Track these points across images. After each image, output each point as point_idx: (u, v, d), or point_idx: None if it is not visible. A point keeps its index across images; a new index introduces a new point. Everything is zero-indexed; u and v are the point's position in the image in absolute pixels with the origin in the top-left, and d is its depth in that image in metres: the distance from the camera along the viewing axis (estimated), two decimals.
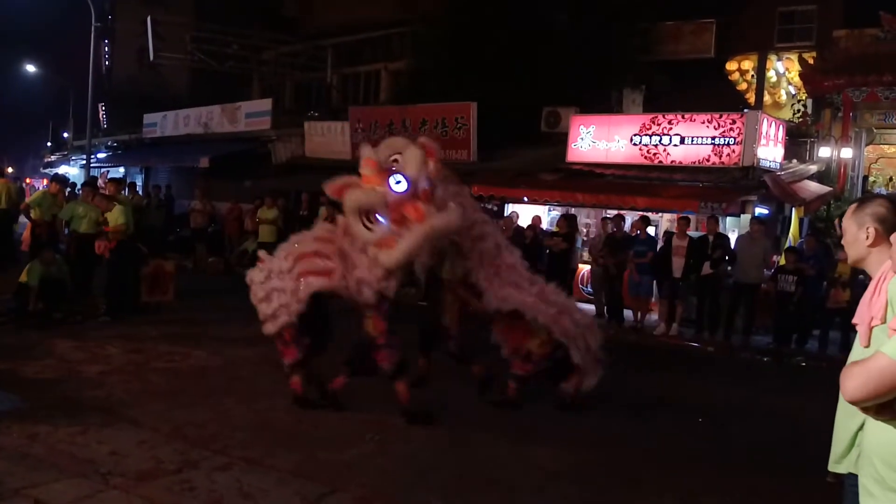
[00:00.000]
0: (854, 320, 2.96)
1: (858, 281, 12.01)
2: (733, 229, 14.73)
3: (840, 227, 3.20)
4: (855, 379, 2.57)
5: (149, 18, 27.40)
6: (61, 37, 37.90)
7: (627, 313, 13.72)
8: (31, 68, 39.60)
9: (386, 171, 6.46)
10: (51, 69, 38.81)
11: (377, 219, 6.38)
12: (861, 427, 2.79)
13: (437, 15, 21.37)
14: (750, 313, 12.64)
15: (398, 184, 6.36)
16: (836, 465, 2.99)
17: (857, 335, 2.85)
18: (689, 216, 13.82)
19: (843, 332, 11.99)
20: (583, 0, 19.24)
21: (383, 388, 7.86)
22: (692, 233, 13.50)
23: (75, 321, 10.43)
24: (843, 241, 3.13)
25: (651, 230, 14.20)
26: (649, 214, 14.46)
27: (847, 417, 2.84)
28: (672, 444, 6.93)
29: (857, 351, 2.84)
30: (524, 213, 16.46)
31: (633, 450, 6.69)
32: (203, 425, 6.46)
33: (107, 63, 36.80)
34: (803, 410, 8.41)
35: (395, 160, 6.57)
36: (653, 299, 13.89)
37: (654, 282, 13.51)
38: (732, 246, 13.11)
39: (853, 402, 2.62)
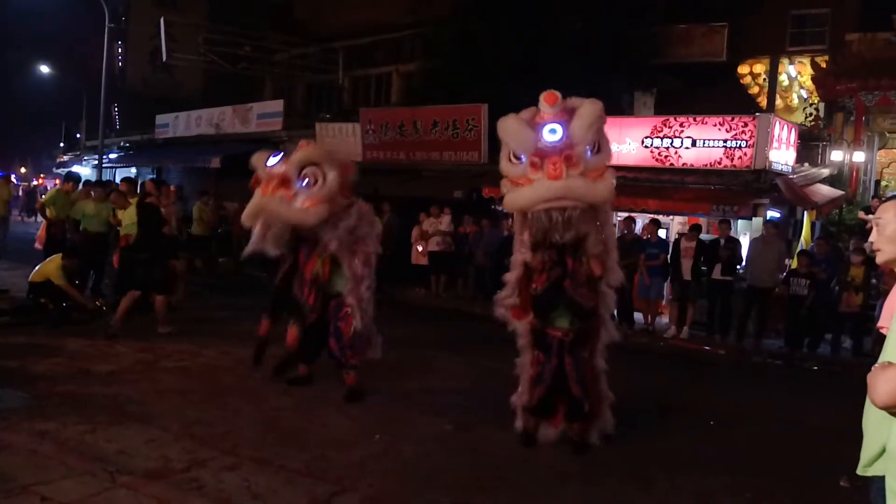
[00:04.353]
0: (880, 324, 2.87)
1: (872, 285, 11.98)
2: (745, 232, 14.66)
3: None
4: (888, 384, 2.49)
5: (162, 20, 27.54)
6: (75, 38, 38.02)
7: (637, 316, 13.67)
8: (44, 69, 39.78)
9: (560, 115, 6.13)
10: (64, 70, 38.95)
11: (520, 158, 6.16)
12: None
13: (448, 17, 21.37)
14: (762, 317, 12.57)
15: (552, 133, 6.04)
16: (867, 469, 2.87)
17: (891, 338, 2.73)
18: (700, 218, 13.77)
19: (856, 337, 11.93)
20: (594, 3, 19.19)
21: (392, 389, 7.89)
22: (704, 236, 13.45)
23: (83, 320, 10.45)
24: (877, 238, 2.99)
25: (662, 233, 14.15)
26: (660, 217, 14.40)
27: (883, 419, 2.69)
28: (683, 447, 6.88)
29: (892, 354, 2.69)
30: None
31: (644, 452, 6.64)
32: (212, 424, 6.45)
33: (120, 64, 36.88)
34: (815, 414, 8.37)
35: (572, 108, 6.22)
36: (663, 302, 13.84)
37: (665, 284, 13.48)
38: (746, 249, 13.05)
39: (884, 407, 2.54)
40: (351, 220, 7.48)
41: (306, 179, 7.15)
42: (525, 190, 6.14)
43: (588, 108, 6.13)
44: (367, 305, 7.61)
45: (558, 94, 6.17)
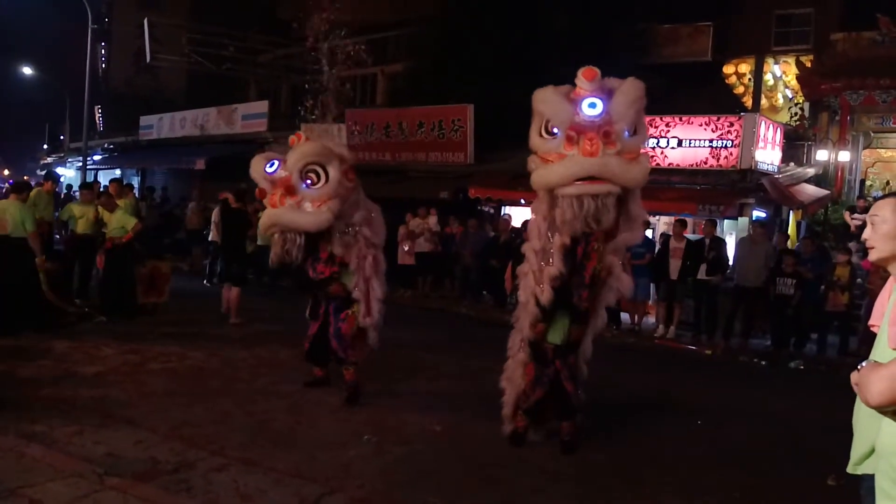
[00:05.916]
0: (871, 322, 2.86)
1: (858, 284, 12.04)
2: (731, 232, 14.71)
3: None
4: (881, 383, 2.46)
5: (145, 20, 27.45)
6: (58, 39, 37.86)
7: (624, 316, 13.69)
8: (27, 70, 39.56)
9: (599, 92, 5.83)
10: (47, 71, 38.75)
11: (554, 131, 5.83)
12: None
13: (434, 17, 21.36)
14: (748, 316, 12.60)
15: (591, 107, 5.71)
16: (857, 467, 2.85)
17: (882, 336, 2.74)
18: (686, 218, 13.81)
19: (842, 336, 11.98)
20: (580, 2, 19.22)
21: (380, 390, 7.88)
22: (690, 235, 13.48)
23: (69, 322, 10.38)
24: (871, 234, 2.93)
25: (648, 233, 14.17)
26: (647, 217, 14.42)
27: (873, 418, 2.67)
28: (671, 446, 6.90)
29: (882, 352, 2.69)
30: (519, 216, 16.38)
31: (633, 451, 6.66)
32: (200, 426, 6.41)
33: (103, 65, 36.76)
34: (801, 413, 8.40)
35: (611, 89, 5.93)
36: (650, 302, 13.86)
37: (651, 284, 13.49)
38: (733, 249, 13.08)
39: (877, 407, 2.51)
40: (363, 210, 7.50)
41: (308, 180, 6.98)
42: (556, 166, 5.76)
43: (631, 85, 5.87)
44: (376, 302, 7.62)
45: (597, 70, 5.91)
